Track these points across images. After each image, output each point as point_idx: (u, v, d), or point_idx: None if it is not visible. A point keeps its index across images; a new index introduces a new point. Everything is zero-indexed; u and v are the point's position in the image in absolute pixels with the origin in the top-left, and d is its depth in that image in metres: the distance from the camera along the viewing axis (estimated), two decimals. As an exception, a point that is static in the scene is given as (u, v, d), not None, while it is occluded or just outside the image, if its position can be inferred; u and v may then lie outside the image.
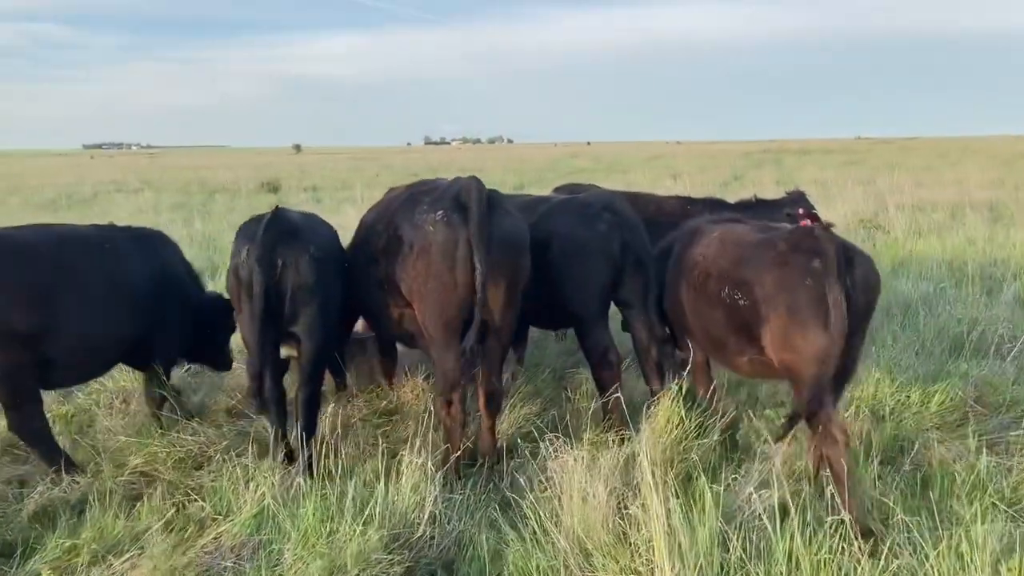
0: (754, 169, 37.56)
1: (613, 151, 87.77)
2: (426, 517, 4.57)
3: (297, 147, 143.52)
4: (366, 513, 4.49)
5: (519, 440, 5.95)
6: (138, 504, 5.01)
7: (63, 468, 5.50)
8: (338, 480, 4.90)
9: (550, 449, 5.00)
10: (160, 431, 5.97)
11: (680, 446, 5.56)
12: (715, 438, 5.68)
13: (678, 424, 5.71)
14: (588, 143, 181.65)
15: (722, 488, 4.71)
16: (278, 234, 5.43)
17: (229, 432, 6.14)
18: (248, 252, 5.40)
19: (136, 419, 6.42)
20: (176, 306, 6.20)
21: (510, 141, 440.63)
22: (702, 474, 4.69)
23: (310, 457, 5.40)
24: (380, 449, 5.73)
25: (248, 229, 5.55)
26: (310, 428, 5.51)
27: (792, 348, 4.81)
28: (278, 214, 5.51)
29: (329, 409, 6.46)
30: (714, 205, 8.17)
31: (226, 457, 5.61)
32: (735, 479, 4.90)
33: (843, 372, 4.85)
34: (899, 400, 6.38)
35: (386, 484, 4.72)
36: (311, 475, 5.32)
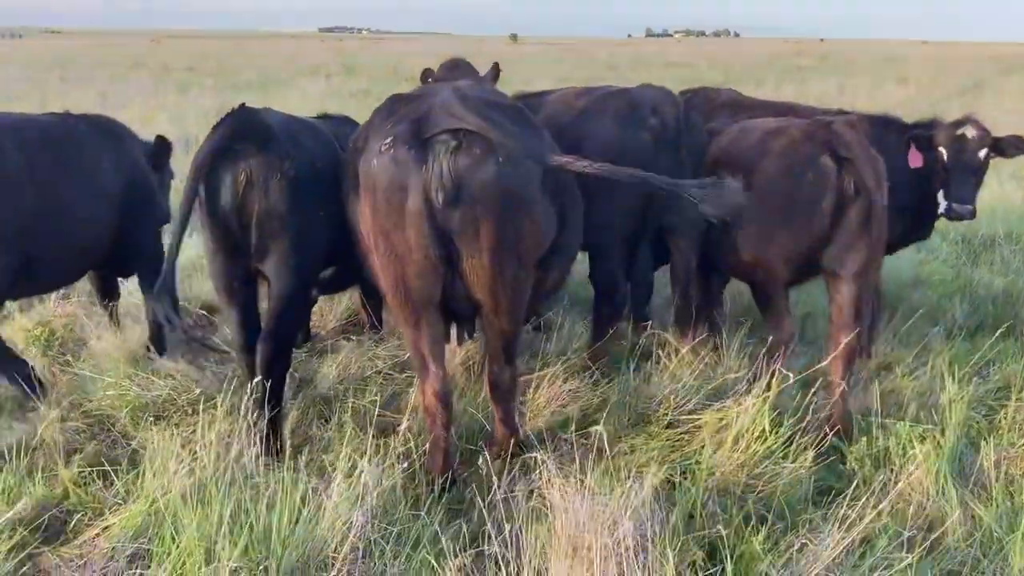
0: (1000, 76, 32.52)
1: (846, 49, 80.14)
2: (345, 550, 3.32)
3: (514, 36, 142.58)
4: (279, 533, 3.34)
5: (546, 433, 4.51)
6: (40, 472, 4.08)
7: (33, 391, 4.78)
8: (265, 471, 3.77)
9: (548, 467, 3.58)
10: (133, 369, 5.04)
11: (756, 470, 4.00)
12: (808, 462, 4.06)
13: (758, 437, 4.13)
14: (821, 40, 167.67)
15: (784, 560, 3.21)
16: (241, 141, 4.21)
17: (213, 375, 5.11)
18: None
19: (133, 346, 5.55)
20: (148, 202, 5.32)
21: (736, 35, 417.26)
22: (752, 542, 3.16)
23: (267, 430, 4.27)
24: (369, 420, 4.49)
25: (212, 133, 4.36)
26: (272, 394, 4.33)
27: (766, 247, 4.68)
28: (243, 116, 4.27)
29: (342, 357, 5.37)
30: (886, 124, 6.14)
31: (192, 409, 4.67)
32: (808, 543, 3.32)
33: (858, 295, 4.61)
34: None
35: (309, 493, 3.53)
36: (273, 452, 4.26)
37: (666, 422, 4.54)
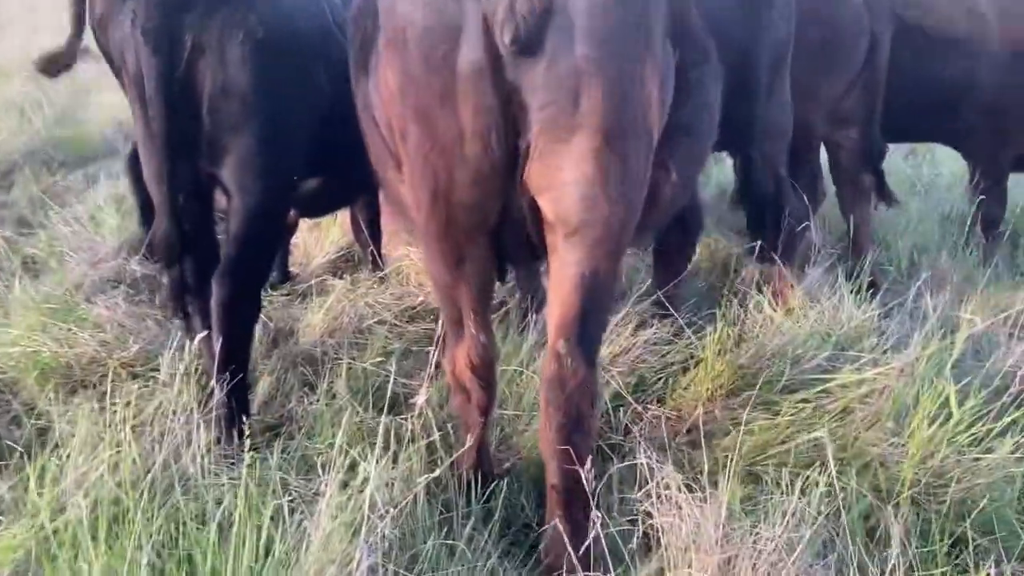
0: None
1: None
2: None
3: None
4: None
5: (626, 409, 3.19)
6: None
7: None
8: (218, 473, 2.52)
9: (655, 473, 2.30)
10: (50, 318, 3.71)
11: (930, 463, 2.73)
12: (1011, 451, 2.77)
13: (937, 417, 2.86)
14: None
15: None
16: None
17: (158, 326, 3.77)
18: (133, 19, 2.91)
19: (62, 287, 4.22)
20: None
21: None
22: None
23: (229, 406, 2.99)
24: (371, 390, 3.23)
25: None
26: (233, 354, 3.03)
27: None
28: None
29: (331, 302, 4.06)
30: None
31: (126, 372, 3.44)
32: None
33: None
34: None
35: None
36: (234, 437, 2.99)
37: (780, 385, 3.29)
